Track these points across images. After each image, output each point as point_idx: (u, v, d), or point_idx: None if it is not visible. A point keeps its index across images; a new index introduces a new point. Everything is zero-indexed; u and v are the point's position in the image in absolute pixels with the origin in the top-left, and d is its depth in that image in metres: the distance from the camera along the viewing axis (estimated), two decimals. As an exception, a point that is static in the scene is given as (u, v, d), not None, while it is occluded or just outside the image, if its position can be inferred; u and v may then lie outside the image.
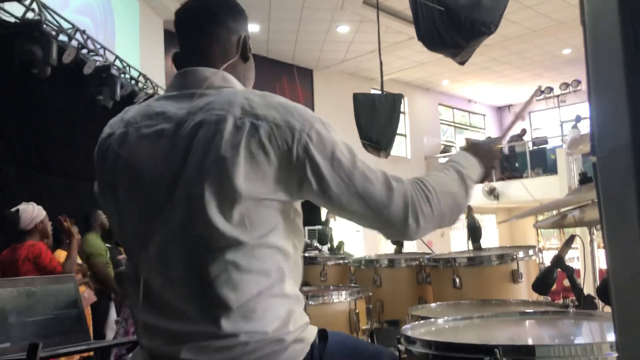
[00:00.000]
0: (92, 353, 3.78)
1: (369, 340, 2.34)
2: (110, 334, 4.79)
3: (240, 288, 1.06)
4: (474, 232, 2.65)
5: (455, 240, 13.96)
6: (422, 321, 1.59)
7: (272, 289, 1.10)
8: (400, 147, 14.05)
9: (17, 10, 4.15)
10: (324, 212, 4.94)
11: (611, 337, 1.33)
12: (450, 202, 1.23)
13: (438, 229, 1.25)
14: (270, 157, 1.08)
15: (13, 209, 3.76)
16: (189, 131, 1.10)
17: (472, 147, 1.39)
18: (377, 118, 5.98)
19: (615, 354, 1.07)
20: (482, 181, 1.39)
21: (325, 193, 1.11)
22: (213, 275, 1.06)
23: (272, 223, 1.10)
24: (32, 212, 3.76)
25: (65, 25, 4.72)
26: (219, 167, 1.06)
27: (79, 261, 4.44)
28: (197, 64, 1.20)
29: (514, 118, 1.68)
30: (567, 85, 13.75)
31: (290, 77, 12.09)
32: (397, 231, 1.17)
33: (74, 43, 4.67)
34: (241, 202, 1.06)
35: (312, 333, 1.18)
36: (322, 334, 1.21)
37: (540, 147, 13.72)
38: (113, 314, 4.94)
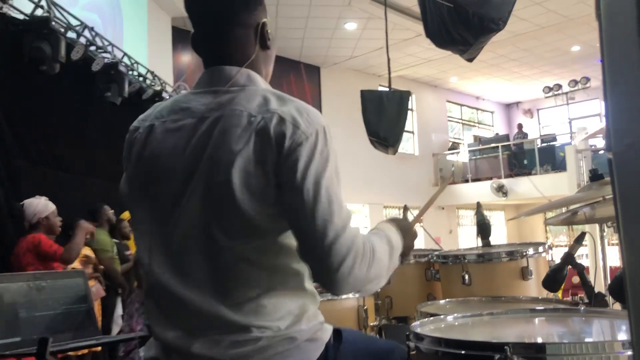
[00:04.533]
0: (100, 348, 3.81)
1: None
2: (115, 329, 4.81)
3: (251, 282, 1.08)
4: (483, 228, 2.64)
5: (463, 237, 13.94)
6: (431, 318, 1.59)
7: (284, 285, 1.11)
8: (408, 144, 14.02)
9: (26, 7, 4.17)
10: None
11: (622, 335, 1.33)
12: (378, 274, 1.14)
13: (387, 268, 1.17)
14: (273, 150, 1.07)
15: (21, 203, 3.74)
16: (208, 126, 1.13)
17: (397, 224, 1.30)
18: (384, 115, 5.95)
19: (627, 352, 1.06)
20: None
21: (285, 190, 1.06)
22: (226, 269, 1.08)
23: (282, 221, 1.11)
24: (35, 206, 3.70)
25: (74, 22, 4.73)
26: (231, 161, 1.07)
27: (91, 254, 4.45)
28: (221, 62, 1.21)
29: (427, 203, 1.62)
30: (575, 82, 13.66)
31: (297, 74, 12.07)
32: (324, 271, 1.05)
33: (83, 40, 4.68)
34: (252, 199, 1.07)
35: (327, 333, 1.17)
36: (337, 333, 1.20)
37: (549, 144, 13.66)
38: (119, 309, 4.96)
